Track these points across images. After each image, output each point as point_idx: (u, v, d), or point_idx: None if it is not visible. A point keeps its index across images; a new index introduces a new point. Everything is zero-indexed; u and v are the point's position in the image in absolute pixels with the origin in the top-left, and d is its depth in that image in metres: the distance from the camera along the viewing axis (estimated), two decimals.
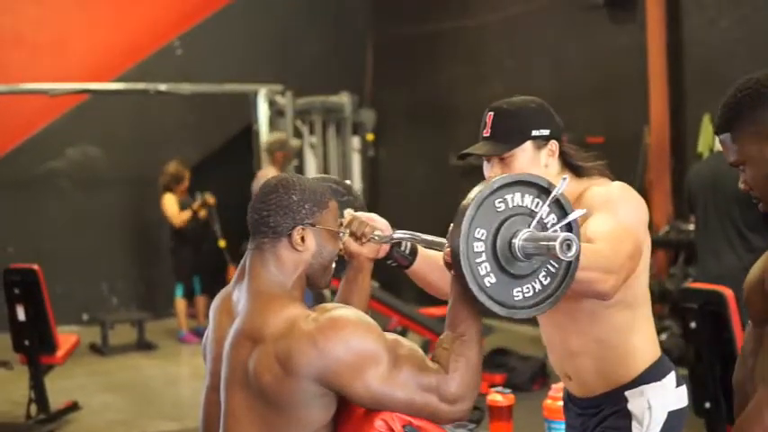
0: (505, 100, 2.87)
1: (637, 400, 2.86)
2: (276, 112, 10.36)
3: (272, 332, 2.27)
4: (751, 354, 2.24)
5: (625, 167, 8.61)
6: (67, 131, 10.95)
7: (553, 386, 4.06)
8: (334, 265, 2.51)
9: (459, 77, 10.85)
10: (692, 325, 4.57)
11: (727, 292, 4.48)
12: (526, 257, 2.19)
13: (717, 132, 2.20)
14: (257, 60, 11.46)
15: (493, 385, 7.16)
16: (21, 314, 6.70)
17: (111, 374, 8.67)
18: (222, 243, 9.96)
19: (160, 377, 8.63)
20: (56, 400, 7.09)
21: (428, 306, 8.38)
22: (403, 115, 11.61)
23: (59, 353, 6.79)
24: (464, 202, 2.20)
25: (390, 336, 2.33)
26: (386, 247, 2.86)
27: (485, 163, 2.87)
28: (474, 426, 4.36)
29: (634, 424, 2.86)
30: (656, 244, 8.17)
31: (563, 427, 3.44)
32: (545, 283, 2.25)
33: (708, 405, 4.48)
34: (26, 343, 6.73)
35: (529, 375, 7.26)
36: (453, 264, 2.20)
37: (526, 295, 2.23)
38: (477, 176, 2.67)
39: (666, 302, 7.89)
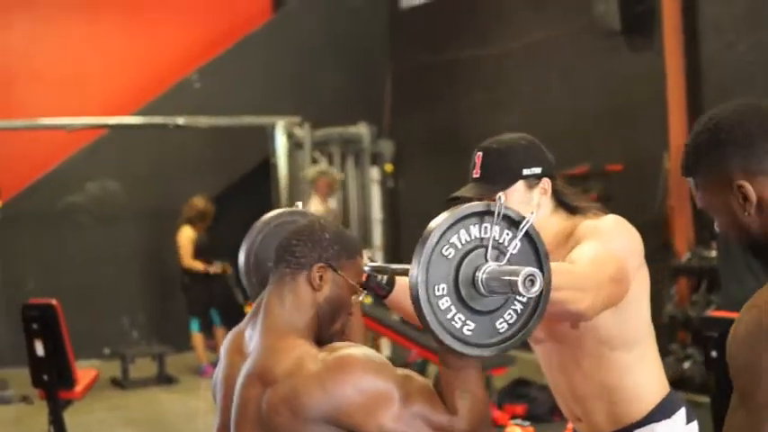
0: (495, 138, 2.80)
1: None
2: (294, 144, 10.36)
3: (281, 373, 2.24)
4: None
5: (645, 194, 8.58)
6: (86, 166, 10.99)
7: (569, 424, 4.01)
8: (343, 324, 2.45)
9: (478, 105, 10.83)
10: (713, 354, 4.51)
11: None
12: (492, 294, 2.06)
13: (683, 174, 2.06)
14: (275, 92, 11.49)
15: (514, 416, 7.15)
16: (39, 349, 6.67)
17: (130, 409, 8.64)
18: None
19: (180, 411, 8.60)
20: None
21: None
22: (422, 145, 11.60)
23: (78, 388, 6.75)
24: (412, 263, 2.06)
25: (401, 371, 2.29)
26: (362, 278, 2.69)
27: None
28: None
29: None
30: (678, 271, 8.16)
31: None
32: (524, 302, 2.11)
33: None
34: (45, 378, 6.70)
35: (549, 406, 7.19)
36: (427, 330, 2.06)
37: (510, 321, 2.10)
38: None
39: (689, 330, 7.82)
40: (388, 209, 11.33)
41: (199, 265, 9.69)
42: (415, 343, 7.38)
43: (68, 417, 7.13)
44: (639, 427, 2.80)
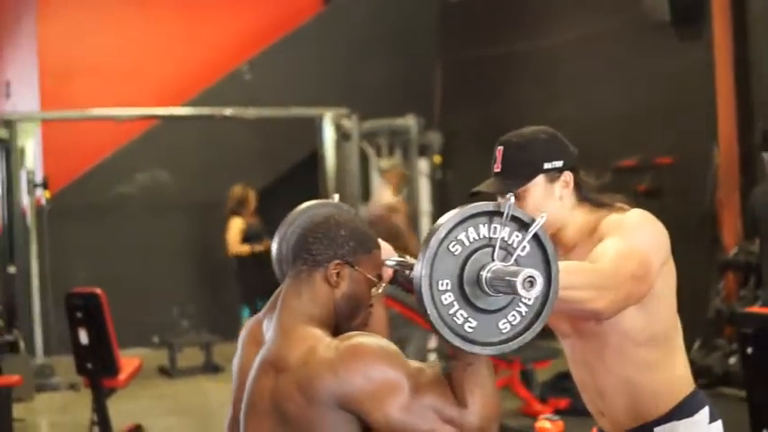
0: (515, 132, 2.76)
1: None
2: (342, 136, 10.38)
3: (294, 361, 2.25)
4: None
5: (694, 187, 8.50)
6: (137, 157, 11.10)
7: None
8: (363, 318, 2.47)
9: (529, 98, 10.79)
10: (749, 350, 4.46)
11: None
12: (497, 293, 2.04)
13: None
14: (324, 84, 11.53)
15: (558, 410, 7.12)
16: (83, 337, 6.75)
17: (176, 397, 8.72)
18: None
19: (225, 400, 8.51)
20: (121, 423, 7.16)
21: None
22: (472, 137, 11.57)
23: (122, 376, 6.82)
24: (418, 258, 2.05)
25: (413, 363, 2.29)
26: (390, 272, 2.74)
27: (499, 199, 2.73)
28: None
29: None
30: (726, 265, 8.06)
31: None
32: (530, 304, 2.09)
33: None
34: (89, 366, 6.79)
35: None
36: (414, 273, 2.05)
37: (514, 323, 2.08)
38: None
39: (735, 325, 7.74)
40: (436, 201, 11.31)
41: (245, 248, 9.75)
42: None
43: (114, 404, 7.22)
44: (660, 424, 2.77)
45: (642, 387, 2.76)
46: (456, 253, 2.04)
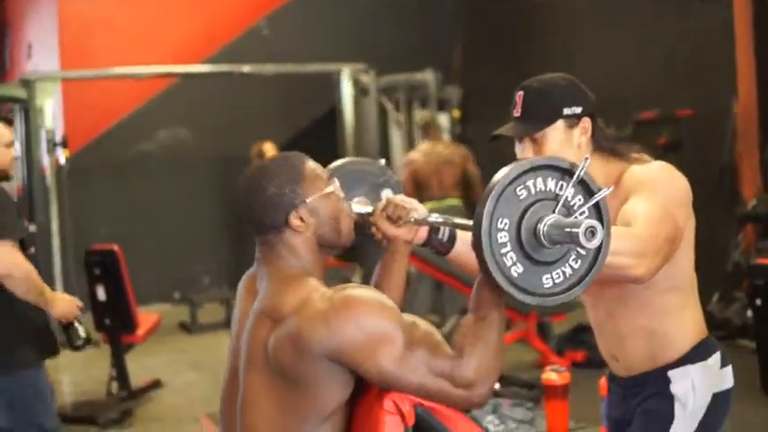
0: (536, 78, 2.77)
1: (680, 381, 2.78)
2: (360, 91, 10.35)
3: (288, 311, 2.27)
4: None
5: (714, 141, 8.44)
6: (157, 115, 11.11)
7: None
8: (348, 221, 2.48)
9: (550, 52, 10.72)
10: (758, 302, 4.45)
11: None
12: (552, 244, 2.10)
13: None
14: (342, 40, 11.48)
15: (574, 363, 7.13)
16: (101, 294, 6.82)
17: (196, 353, 8.78)
18: None
19: None
20: (141, 378, 7.23)
21: None
22: (492, 91, 11.48)
23: (140, 332, 6.89)
24: (483, 193, 2.10)
25: (408, 317, 2.29)
26: (423, 234, 2.81)
27: (516, 144, 2.78)
28: (532, 405, 4.34)
29: (677, 405, 2.78)
30: (745, 218, 8.02)
31: None
32: (575, 266, 2.15)
33: None
34: (107, 322, 6.86)
35: None
36: (478, 258, 2.11)
37: (556, 281, 2.13)
38: None
39: None
40: None
41: None
42: (453, 277, 7.36)
43: (134, 359, 7.31)
44: (675, 367, 2.79)
45: (661, 332, 2.78)
46: (521, 197, 2.09)
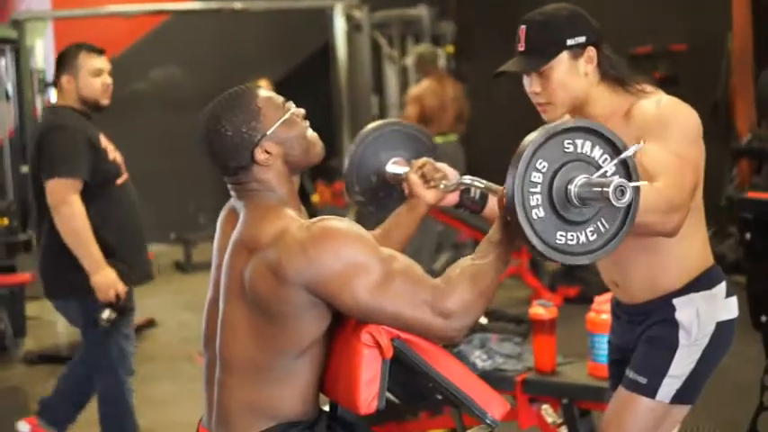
0: (537, 10, 2.76)
1: (685, 309, 2.81)
2: (353, 27, 10.28)
3: (266, 241, 2.26)
4: None
5: (709, 75, 8.39)
6: (149, 53, 11.04)
7: (596, 299, 3.99)
8: (314, 137, 2.47)
9: None
10: (747, 236, 4.43)
11: None
12: (582, 203, 2.13)
13: None
14: None
15: (567, 298, 7.15)
16: None
17: (191, 293, 8.78)
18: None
19: None
20: (136, 317, 7.21)
21: None
22: (487, 27, 11.43)
23: None
24: (514, 156, 2.14)
25: (386, 250, 2.28)
26: (454, 198, 2.87)
27: (524, 78, 2.79)
28: (521, 339, 4.34)
29: (681, 333, 2.81)
30: (739, 153, 7.99)
31: (605, 340, 3.39)
32: (606, 226, 2.19)
33: (764, 319, 4.34)
34: None
35: (604, 289, 7.17)
36: (506, 188, 2.13)
37: (570, 242, 2.16)
38: None
39: None
40: None
41: None
42: (464, 223, 7.37)
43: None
44: (679, 295, 2.82)
45: (663, 257, 2.80)
46: (567, 150, 2.15)
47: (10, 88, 9.12)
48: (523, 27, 2.74)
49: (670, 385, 2.81)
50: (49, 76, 9.53)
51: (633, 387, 2.85)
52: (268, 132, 2.37)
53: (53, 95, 9.46)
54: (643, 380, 2.83)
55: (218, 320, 2.39)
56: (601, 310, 3.90)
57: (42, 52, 9.74)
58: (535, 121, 2.85)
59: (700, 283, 2.82)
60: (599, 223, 2.17)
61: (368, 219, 7.04)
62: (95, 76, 4.32)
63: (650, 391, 2.82)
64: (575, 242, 2.16)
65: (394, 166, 2.97)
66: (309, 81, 10.80)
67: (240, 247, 2.33)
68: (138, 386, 5.96)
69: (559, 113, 2.77)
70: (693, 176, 2.59)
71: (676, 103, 2.69)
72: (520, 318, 4.53)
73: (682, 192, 2.51)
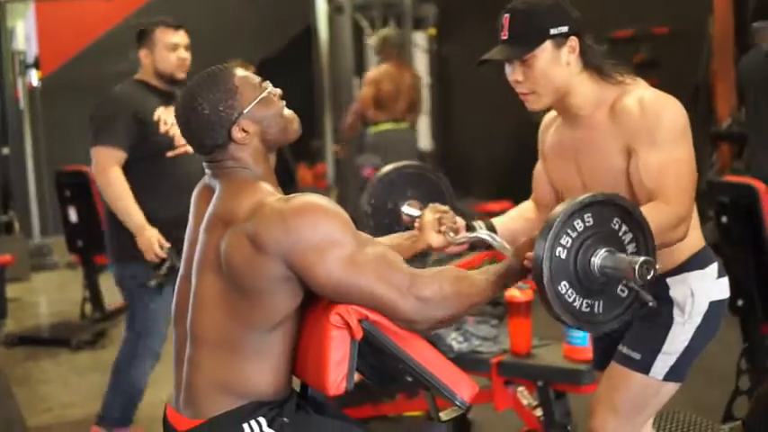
0: (520, 0, 2.79)
1: (679, 287, 2.85)
2: (335, 9, 10.26)
3: (243, 213, 2.27)
4: None
5: (690, 58, 8.40)
6: (131, 35, 10.89)
7: None
8: (291, 115, 2.47)
9: None
10: (724, 219, 4.44)
11: (760, 186, 4.32)
12: (602, 275, 2.23)
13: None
14: None
15: None
16: (73, 216, 6.81)
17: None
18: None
19: None
20: (116, 299, 7.22)
21: (493, 201, 8.37)
22: (468, 9, 11.42)
23: None
24: (550, 216, 2.23)
25: (365, 235, 2.31)
26: (457, 248, 2.96)
27: (507, 66, 2.81)
28: (497, 322, 4.36)
29: (675, 311, 2.85)
30: (719, 137, 8.01)
31: None
32: (622, 295, 2.30)
33: (741, 303, 4.37)
34: (79, 244, 6.85)
35: None
36: (534, 262, 2.20)
37: (595, 311, 2.27)
38: None
39: None
40: (434, 74, 11.23)
41: None
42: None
43: (109, 281, 7.27)
44: (673, 275, 2.85)
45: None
46: (575, 232, 2.24)
47: None
48: (507, 15, 2.76)
49: (664, 361, 2.85)
50: (30, 58, 9.52)
51: (626, 363, 2.88)
52: (245, 111, 2.37)
53: (34, 77, 9.45)
54: (637, 355, 2.87)
55: (189, 297, 2.39)
56: None
57: (23, 34, 9.71)
58: (516, 105, 2.88)
59: (693, 263, 2.85)
60: (618, 291, 2.29)
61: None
62: (171, 51, 4.50)
63: (644, 366, 2.86)
64: (598, 311, 2.27)
65: (410, 209, 3.11)
66: (291, 63, 10.78)
67: (216, 220, 2.33)
68: None
69: (542, 103, 2.81)
70: (691, 174, 2.65)
71: (659, 101, 2.71)
72: (496, 300, 4.54)
73: (685, 199, 2.60)
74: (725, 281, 2.91)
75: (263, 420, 2.30)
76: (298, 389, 2.46)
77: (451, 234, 2.87)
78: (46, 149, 10.01)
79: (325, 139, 10.93)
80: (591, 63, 2.77)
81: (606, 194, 2.26)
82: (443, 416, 2.82)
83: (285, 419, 2.32)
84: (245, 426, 2.29)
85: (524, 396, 4.06)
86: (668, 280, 2.84)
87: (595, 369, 3.22)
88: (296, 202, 2.24)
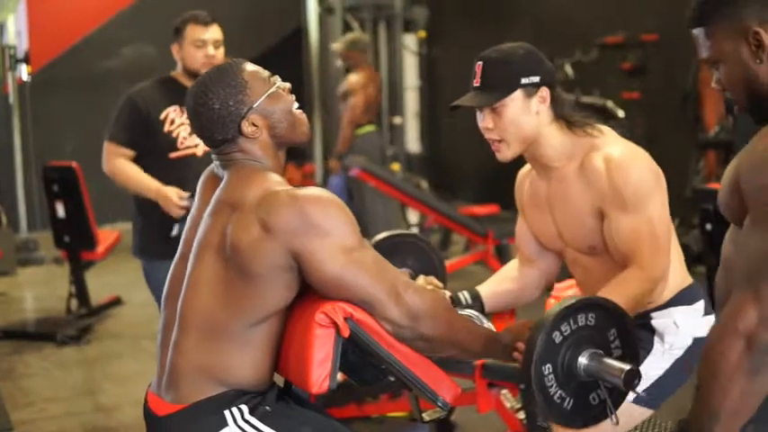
0: (494, 48, 2.85)
1: (662, 319, 2.88)
2: (326, 10, 10.28)
3: (254, 198, 2.29)
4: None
5: (679, 66, 8.44)
6: (122, 31, 10.99)
7: (556, 285, 4.02)
8: (301, 114, 2.49)
9: None
10: (708, 227, 4.48)
11: None
12: (586, 374, 2.29)
13: (689, 26, 2.08)
14: None
15: None
16: (60, 211, 6.81)
17: None
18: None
19: None
20: (102, 296, 7.24)
21: (480, 204, 8.40)
22: (458, 12, 11.45)
23: (99, 249, 6.89)
24: (566, 300, 2.30)
25: (368, 243, 2.37)
26: None
27: (478, 114, 2.85)
28: (485, 320, 4.36)
29: (656, 339, 2.87)
30: (707, 144, 8.04)
31: None
32: (593, 404, 2.37)
33: None
34: (66, 239, 6.85)
35: (563, 276, 7.21)
36: (523, 366, 2.29)
37: (582, 407, 2.34)
38: None
39: None
40: (424, 76, 11.25)
41: None
42: (433, 209, 7.40)
43: (96, 277, 7.32)
44: (660, 310, 2.88)
45: None
46: (561, 337, 2.30)
47: None
48: (480, 63, 2.82)
49: None
50: (21, 53, 9.51)
51: None
52: (254, 105, 2.40)
53: (24, 72, 9.44)
54: None
55: (183, 279, 2.41)
56: (560, 297, 3.93)
57: (14, 28, 9.70)
58: None
59: (679, 299, 2.89)
60: (591, 398, 2.35)
61: None
62: (198, 48, 4.38)
63: None
64: (567, 407, 2.32)
65: None
66: (281, 64, 10.72)
67: (222, 205, 2.36)
68: (103, 363, 6.02)
69: (511, 151, 2.84)
70: (664, 229, 2.72)
71: (626, 160, 2.75)
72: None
73: (659, 260, 2.67)
74: (711, 319, 2.91)
75: (244, 408, 2.32)
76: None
77: None
78: (34, 144, 10.00)
79: (315, 139, 10.95)
80: (561, 114, 2.83)
81: (614, 305, 2.34)
82: (426, 417, 2.85)
83: (267, 408, 2.34)
84: (227, 412, 2.31)
85: (508, 399, 4.07)
86: (652, 314, 2.88)
87: None
88: (308, 191, 2.29)
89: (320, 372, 2.25)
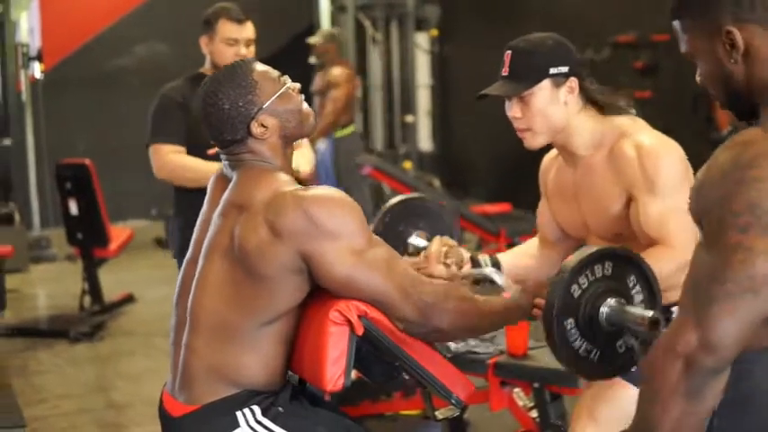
0: (523, 38, 2.86)
1: None
2: (338, 9, 10.28)
3: (262, 200, 2.30)
4: None
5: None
6: (134, 29, 11.01)
7: None
8: (309, 110, 2.50)
9: None
10: None
11: None
12: (609, 325, 2.27)
13: (670, 17, 2.04)
14: None
15: None
16: (73, 208, 6.83)
17: (171, 268, 8.72)
18: None
19: None
20: (115, 293, 7.26)
21: (492, 203, 8.39)
22: (470, 11, 11.45)
23: (112, 246, 6.91)
24: (579, 253, 2.26)
25: (376, 236, 2.36)
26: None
27: (506, 102, 2.85)
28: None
29: None
30: (717, 144, 8.01)
31: None
32: (620, 352, 2.35)
33: None
34: (79, 236, 6.87)
35: None
36: (544, 314, 2.25)
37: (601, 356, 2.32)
38: None
39: None
40: (436, 75, 11.25)
41: None
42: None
43: (109, 274, 7.34)
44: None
45: (664, 276, 2.83)
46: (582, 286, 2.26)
47: None
48: (509, 52, 2.83)
49: None
50: (33, 50, 9.53)
51: None
52: (264, 106, 2.40)
53: (37, 69, 9.46)
54: None
55: (193, 280, 2.41)
56: None
57: (27, 26, 9.72)
58: None
59: None
60: (617, 346, 2.33)
61: None
62: (229, 46, 4.18)
63: (633, 378, 2.80)
64: (594, 359, 2.30)
65: (417, 239, 3.18)
66: (293, 62, 10.75)
67: (231, 206, 2.36)
68: (115, 360, 6.04)
69: (538, 141, 2.85)
70: (692, 226, 2.63)
71: (657, 148, 2.75)
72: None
73: (688, 242, 2.57)
74: None
75: (257, 409, 2.32)
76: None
77: (456, 267, 2.90)
78: (47, 141, 10.03)
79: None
80: (591, 101, 2.83)
81: (629, 252, 2.33)
82: (439, 415, 2.85)
83: (280, 409, 2.34)
84: (239, 413, 2.32)
85: (520, 397, 4.07)
86: (673, 309, 2.84)
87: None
88: (316, 192, 2.29)
89: (335, 370, 2.25)
